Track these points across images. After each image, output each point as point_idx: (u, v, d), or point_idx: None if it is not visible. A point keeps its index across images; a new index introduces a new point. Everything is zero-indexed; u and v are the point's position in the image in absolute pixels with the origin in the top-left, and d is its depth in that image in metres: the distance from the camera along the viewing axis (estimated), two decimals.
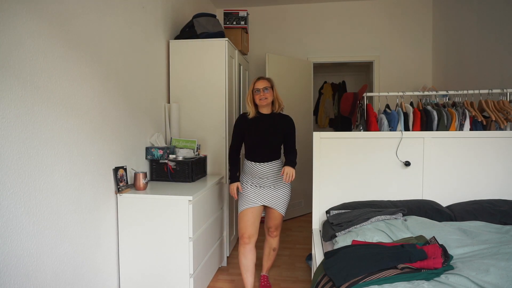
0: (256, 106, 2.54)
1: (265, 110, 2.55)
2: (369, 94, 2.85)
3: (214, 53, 3.15)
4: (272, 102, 2.55)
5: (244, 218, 2.52)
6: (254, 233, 2.53)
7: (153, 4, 2.93)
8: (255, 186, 2.55)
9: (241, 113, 2.59)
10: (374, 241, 1.92)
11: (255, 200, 2.52)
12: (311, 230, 2.68)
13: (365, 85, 2.85)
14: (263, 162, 2.52)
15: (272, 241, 2.74)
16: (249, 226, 2.51)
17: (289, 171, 2.38)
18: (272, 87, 2.52)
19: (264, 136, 2.51)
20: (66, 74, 1.87)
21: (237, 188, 2.58)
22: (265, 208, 2.62)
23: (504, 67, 3.10)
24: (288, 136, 2.56)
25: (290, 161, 2.46)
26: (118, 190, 2.33)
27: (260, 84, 2.49)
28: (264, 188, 2.55)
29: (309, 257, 3.12)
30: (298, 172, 4.50)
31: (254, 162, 2.54)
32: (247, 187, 2.56)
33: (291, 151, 2.56)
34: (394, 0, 4.75)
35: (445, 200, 2.50)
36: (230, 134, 3.28)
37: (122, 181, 2.37)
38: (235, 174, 2.60)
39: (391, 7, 4.77)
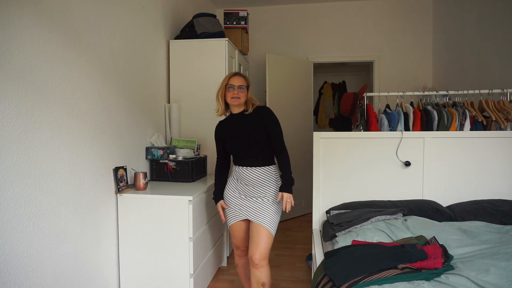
0: (226, 104, 2.23)
1: (236, 110, 2.22)
2: (369, 94, 2.85)
3: (214, 53, 3.15)
4: (245, 102, 2.24)
5: (234, 233, 2.29)
6: (247, 243, 2.31)
7: (153, 4, 2.93)
8: (239, 193, 2.23)
9: (219, 121, 2.33)
10: (374, 241, 1.92)
11: (239, 213, 2.21)
12: (311, 230, 2.68)
13: (365, 85, 2.85)
14: (250, 167, 2.17)
15: (259, 274, 2.11)
16: (242, 240, 2.29)
17: (288, 198, 2.08)
18: (247, 87, 2.23)
19: (241, 135, 2.18)
20: (66, 74, 1.87)
21: (227, 197, 2.28)
22: (249, 223, 2.22)
23: (504, 67, 3.10)
24: (270, 131, 2.16)
25: (286, 183, 2.11)
26: (118, 190, 2.33)
27: (236, 81, 2.17)
28: (251, 198, 2.18)
29: (309, 257, 3.12)
30: (298, 172, 4.51)
31: (240, 166, 2.21)
32: (233, 196, 2.25)
33: (280, 153, 2.16)
34: (394, 0, 4.75)
35: (445, 200, 2.50)
36: None
37: (122, 181, 2.37)
38: (218, 192, 2.30)
39: (391, 7, 4.77)
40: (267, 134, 2.17)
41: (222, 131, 2.29)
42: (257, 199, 2.17)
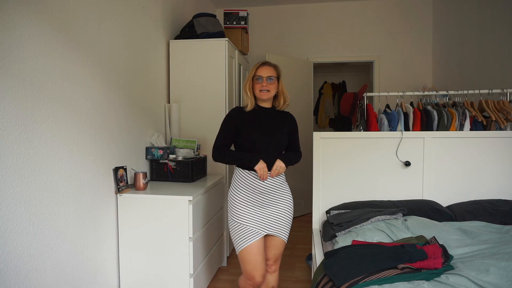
0: (255, 97, 2.00)
1: (266, 104, 2.02)
2: (369, 94, 2.85)
3: (214, 53, 3.15)
4: (275, 96, 2.02)
5: (249, 258, 1.90)
6: (265, 269, 1.99)
7: (153, 4, 2.93)
8: (253, 205, 1.95)
9: (236, 106, 2.00)
10: (374, 241, 1.92)
11: (257, 230, 1.91)
12: (311, 230, 2.68)
13: (365, 85, 2.85)
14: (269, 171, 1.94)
15: (270, 278, 2.07)
16: (259, 267, 1.91)
17: (280, 165, 1.93)
18: (278, 77, 1.99)
19: (267, 133, 1.95)
20: (66, 74, 1.87)
21: (237, 212, 1.95)
22: (266, 237, 2.02)
23: (504, 67, 3.10)
24: (292, 137, 2.08)
25: (286, 156, 1.99)
26: (118, 190, 2.33)
27: (264, 71, 1.94)
28: (265, 208, 1.95)
29: (309, 257, 3.12)
30: (298, 172, 4.50)
31: (250, 171, 1.94)
32: (243, 210, 1.93)
33: (295, 151, 2.10)
34: (394, 0, 4.75)
35: (445, 200, 2.50)
36: None
37: (122, 181, 2.37)
38: (247, 154, 1.94)
39: (391, 7, 4.76)
40: (288, 140, 2.05)
41: (240, 119, 1.98)
42: (274, 207, 1.97)
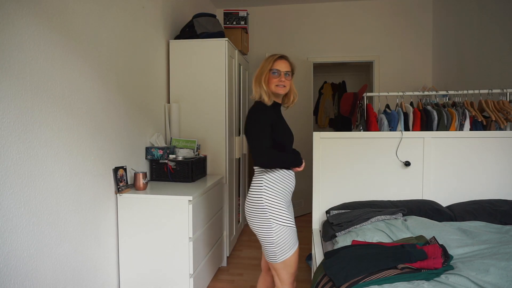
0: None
1: (279, 100, 1.93)
2: (369, 94, 2.85)
3: (214, 53, 3.15)
4: (286, 94, 1.95)
5: (297, 259, 1.87)
6: None
7: (153, 4, 2.93)
8: (290, 206, 1.94)
9: (258, 101, 1.86)
10: (374, 241, 1.92)
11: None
12: (311, 230, 2.67)
13: (365, 85, 2.85)
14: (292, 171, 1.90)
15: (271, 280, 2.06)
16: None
17: None
18: (293, 73, 1.94)
19: (291, 132, 1.95)
20: (66, 74, 1.87)
21: (284, 216, 1.80)
22: None
23: (504, 67, 3.10)
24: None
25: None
26: (118, 190, 2.33)
27: (283, 66, 1.84)
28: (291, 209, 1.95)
29: (309, 257, 3.12)
30: (298, 172, 4.50)
31: (290, 171, 1.88)
32: (287, 212, 1.83)
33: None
34: (394, 0, 4.75)
35: (445, 200, 2.50)
36: (230, 134, 3.28)
37: (122, 181, 2.37)
38: (292, 154, 1.90)
39: (391, 7, 4.76)
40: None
41: (273, 117, 1.83)
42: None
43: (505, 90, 2.67)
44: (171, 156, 2.80)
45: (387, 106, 2.96)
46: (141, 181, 2.40)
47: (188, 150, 2.92)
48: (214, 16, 3.33)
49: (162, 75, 3.14)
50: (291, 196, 1.92)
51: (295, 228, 1.85)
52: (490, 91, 2.68)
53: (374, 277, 1.49)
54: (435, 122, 2.61)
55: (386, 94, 2.86)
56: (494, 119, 2.56)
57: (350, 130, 3.07)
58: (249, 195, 1.86)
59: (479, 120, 2.59)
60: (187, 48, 3.19)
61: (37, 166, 1.68)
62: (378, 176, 2.57)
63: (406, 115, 2.69)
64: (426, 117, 2.64)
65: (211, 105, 3.19)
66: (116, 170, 2.32)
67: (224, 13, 3.72)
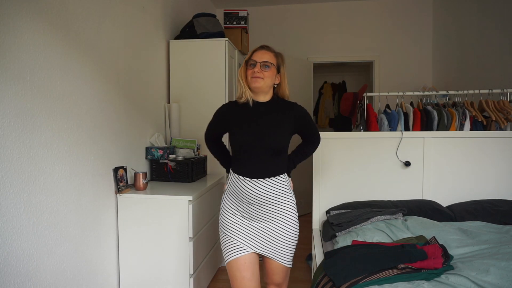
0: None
1: (262, 98, 1.68)
2: (369, 94, 2.85)
3: (214, 53, 3.15)
4: (274, 89, 1.71)
5: (235, 274, 1.63)
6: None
7: (153, 4, 2.93)
8: (242, 216, 1.68)
9: (231, 101, 1.79)
10: (374, 241, 1.92)
11: (244, 245, 1.65)
12: (311, 230, 2.68)
13: (365, 85, 2.85)
14: (257, 178, 1.60)
15: None
16: (247, 286, 1.64)
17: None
18: (278, 66, 1.66)
19: (260, 132, 1.62)
20: (66, 74, 1.87)
21: (224, 221, 1.71)
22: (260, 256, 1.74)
23: (504, 67, 3.10)
24: (304, 129, 1.78)
25: (290, 159, 1.78)
26: (118, 190, 2.33)
27: (259, 56, 1.61)
28: (258, 223, 1.66)
29: (309, 257, 3.12)
30: (298, 172, 4.50)
31: (244, 177, 1.62)
32: (231, 219, 1.68)
33: (312, 142, 1.83)
34: (394, 0, 4.75)
35: (445, 200, 2.50)
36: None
37: (122, 181, 2.37)
38: (225, 162, 1.85)
39: (391, 7, 4.76)
40: (299, 133, 1.76)
41: (231, 115, 1.70)
42: (267, 223, 1.65)
43: (505, 90, 2.67)
44: (171, 156, 2.80)
45: (387, 106, 2.96)
46: (141, 181, 2.40)
47: (188, 150, 2.92)
48: (214, 16, 3.33)
49: (162, 75, 3.14)
50: (247, 203, 1.65)
51: (236, 241, 1.65)
52: (490, 91, 2.68)
53: (374, 277, 1.49)
54: (435, 122, 2.61)
55: (386, 94, 2.86)
56: (494, 119, 2.55)
57: (350, 130, 3.06)
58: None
59: (479, 120, 2.59)
60: (187, 48, 3.19)
61: (37, 166, 1.68)
62: (378, 176, 2.57)
63: (406, 115, 2.69)
64: (426, 117, 2.64)
65: (211, 105, 3.15)
66: (116, 170, 2.32)
67: (224, 13, 3.71)
